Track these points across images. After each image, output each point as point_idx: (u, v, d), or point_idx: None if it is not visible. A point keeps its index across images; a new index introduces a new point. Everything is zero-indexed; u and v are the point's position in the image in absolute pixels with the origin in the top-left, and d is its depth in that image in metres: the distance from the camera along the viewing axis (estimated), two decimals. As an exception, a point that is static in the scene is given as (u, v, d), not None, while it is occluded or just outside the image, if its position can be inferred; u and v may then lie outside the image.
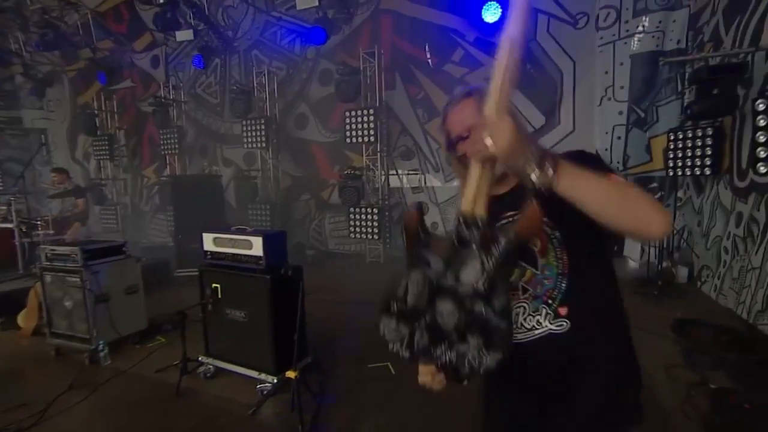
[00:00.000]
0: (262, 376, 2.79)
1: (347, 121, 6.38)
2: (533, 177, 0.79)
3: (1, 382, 3.08)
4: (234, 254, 2.89)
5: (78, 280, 3.27)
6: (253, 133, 7.23)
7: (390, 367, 3.14)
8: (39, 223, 4.91)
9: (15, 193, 4.88)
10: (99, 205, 8.67)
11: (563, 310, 0.93)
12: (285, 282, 2.74)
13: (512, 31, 0.82)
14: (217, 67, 8.10)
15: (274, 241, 2.84)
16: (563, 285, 0.94)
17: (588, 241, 0.95)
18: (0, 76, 9.50)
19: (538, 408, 1.03)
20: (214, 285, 2.95)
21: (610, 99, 5.45)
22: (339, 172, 6.83)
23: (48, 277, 3.41)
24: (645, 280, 4.88)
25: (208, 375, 3.03)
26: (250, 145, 7.33)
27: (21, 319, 3.81)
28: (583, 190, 0.79)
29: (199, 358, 3.06)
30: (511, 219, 0.91)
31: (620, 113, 5.44)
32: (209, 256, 3.00)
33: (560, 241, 0.94)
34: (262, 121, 7.16)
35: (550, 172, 0.78)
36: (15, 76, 9.64)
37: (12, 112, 10.30)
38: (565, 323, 0.93)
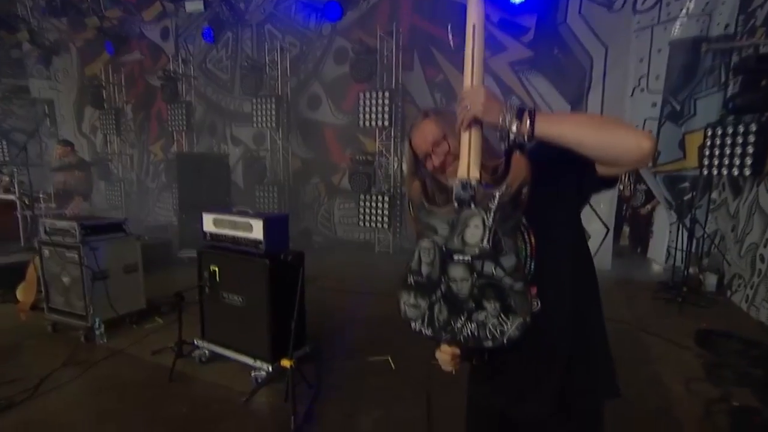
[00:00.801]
0: (258, 363, 2.81)
1: (361, 102, 6.31)
2: (513, 129, 0.90)
3: (-4, 355, 3.17)
4: (234, 236, 2.89)
5: (76, 255, 3.32)
6: (264, 112, 7.22)
7: (390, 361, 3.14)
8: (41, 196, 5.00)
9: (18, 165, 4.97)
10: (104, 181, 8.82)
11: (533, 290, 0.97)
12: (285, 267, 2.74)
13: (474, 16, 0.96)
14: (229, 42, 8.08)
15: (275, 225, 2.83)
16: (532, 266, 1.00)
17: (556, 210, 1.01)
18: (7, 43, 9.63)
19: (516, 392, 1.10)
20: (212, 268, 2.97)
21: (643, 90, 5.27)
22: (350, 157, 6.79)
23: (46, 252, 3.48)
24: (668, 285, 4.76)
25: (204, 360, 3.06)
26: (259, 124, 7.34)
27: (20, 292, 3.91)
28: (560, 127, 0.91)
29: (195, 342, 3.09)
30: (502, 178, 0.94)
31: (653, 105, 5.25)
32: (209, 238, 3.01)
33: (526, 226, 1.00)
34: (273, 100, 7.14)
35: (528, 121, 0.90)
36: (23, 44, 9.78)
37: (19, 81, 10.50)
38: (535, 303, 0.97)
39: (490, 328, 0.94)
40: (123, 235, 3.60)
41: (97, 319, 3.34)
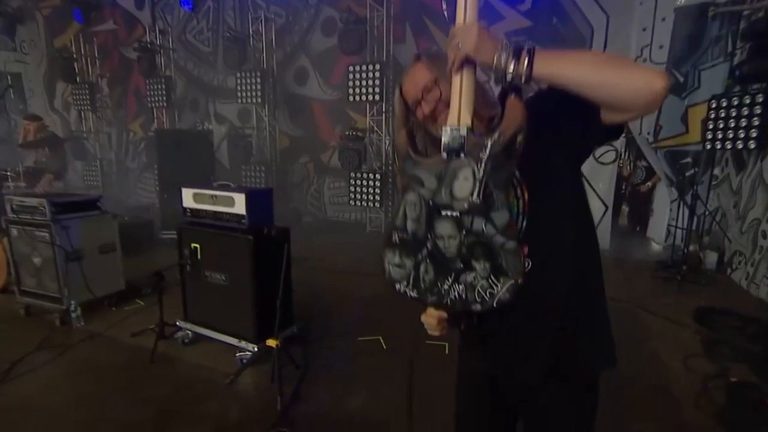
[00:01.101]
0: (242, 343, 2.76)
1: (350, 76, 6.16)
2: (509, 69, 0.84)
3: (-34, 338, 3.09)
4: (215, 212, 2.81)
5: (47, 235, 3.22)
6: (248, 87, 7.03)
7: (381, 341, 3.11)
8: (9, 174, 4.85)
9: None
10: (81, 160, 8.60)
11: (525, 249, 0.91)
12: (269, 244, 2.67)
13: None
14: (210, 12, 7.82)
15: (258, 199, 2.75)
16: (524, 223, 0.94)
17: (554, 162, 0.95)
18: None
19: (507, 358, 1.06)
20: (193, 245, 2.89)
21: (646, 60, 5.18)
22: (340, 133, 6.67)
23: (14, 231, 3.37)
24: (668, 264, 4.78)
25: (186, 341, 3.01)
26: (244, 100, 7.15)
27: (-10, 274, 3.81)
28: (561, 66, 0.84)
29: (177, 323, 3.03)
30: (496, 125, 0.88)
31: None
32: (189, 214, 2.93)
33: (519, 180, 0.94)
34: (258, 74, 6.95)
35: (525, 60, 0.83)
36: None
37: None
38: (527, 262, 0.92)
39: (479, 290, 0.90)
40: (98, 212, 3.49)
41: (72, 302, 3.26)
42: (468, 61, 0.88)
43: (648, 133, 5.62)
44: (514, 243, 0.86)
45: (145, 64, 7.52)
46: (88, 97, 8.44)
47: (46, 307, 3.37)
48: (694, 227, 4.64)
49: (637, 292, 4.14)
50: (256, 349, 2.71)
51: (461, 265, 0.90)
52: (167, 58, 8.02)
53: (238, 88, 7.10)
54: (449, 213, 0.90)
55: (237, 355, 2.77)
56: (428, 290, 0.95)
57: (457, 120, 0.89)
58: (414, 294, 0.97)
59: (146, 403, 2.40)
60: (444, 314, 1.00)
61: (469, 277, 0.90)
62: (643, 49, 5.14)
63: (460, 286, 0.92)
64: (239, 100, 7.19)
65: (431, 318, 1.01)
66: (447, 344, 2.91)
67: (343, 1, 6.58)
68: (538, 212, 0.93)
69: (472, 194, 0.86)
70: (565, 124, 0.93)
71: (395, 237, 0.98)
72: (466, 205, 0.87)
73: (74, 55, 8.67)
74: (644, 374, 2.70)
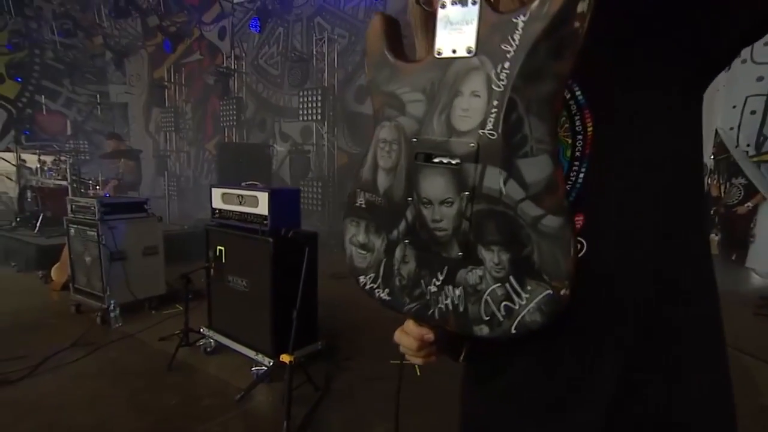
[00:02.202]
0: (259, 357, 2.47)
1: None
2: None
3: (17, 332, 3.13)
4: (240, 213, 2.59)
5: (95, 234, 3.22)
6: (310, 105, 7.06)
7: (416, 367, 2.65)
8: (91, 182, 5.14)
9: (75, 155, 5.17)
10: (162, 177, 9.19)
11: (578, 221, 0.51)
12: (292, 248, 2.37)
13: None
14: (280, 37, 8.08)
15: (283, 199, 2.49)
16: (580, 176, 0.52)
17: (650, 80, 0.49)
18: (89, 51, 10.50)
19: (545, 400, 0.57)
20: (218, 248, 2.69)
21: (745, 61, 4.35)
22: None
23: (72, 230, 3.43)
24: (779, 299, 3.80)
25: (209, 350, 2.79)
26: (305, 117, 7.18)
27: (54, 272, 3.94)
28: None
29: (201, 330, 2.83)
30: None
31: (759, 79, 4.31)
32: (217, 215, 2.74)
33: (580, 101, 0.52)
34: (319, 92, 6.95)
35: None
36: (105, 53, 10.63)
37: (101, 87, 11.41)
38: (579, 244, 0.51)
39: (488, 301, 0.49)
40: (144, 215, 3.47)
41: (112, 301, 3.21)
42: None
43: (747, 146, 4.69)
44: (558, 219, 0.44)
45: (219, 87, 7.92)
46: (173, 120, 9.06)
47: (92, 306, 3.36)
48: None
49: (737, 333, 3.26)
50: (271, 364, 2.39)
51: (460, 254, 0.51)
52: (240, 81, 8.37)
53: (300, 106, 7.15)
54: (443, 160, 0.51)
55: (252, 369, 2.48)
56: (405, 291, 0.57)
57: None
58: (384, 296, 0.59)
59: (148, 414, 2.17)
60: (429, 334, 0.59)
61: (473, 275, 0.50)
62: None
63: (457, 291, 0.52)
64: (301, 118, 7.23)
65: (408, 337, 0.61)
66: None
67: (402, 17, 6.41)
68: (610, 161, 0.51)
69: (483, 125, 0.47)
70: (673, 30, 0.48)
71: (361, 199, 0.60)
72: (472, 144, 0.48)
73: (166, 84, 9.41)
74: (757, 440, 1.99)
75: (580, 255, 0.49)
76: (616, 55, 0.48)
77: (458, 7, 0.47)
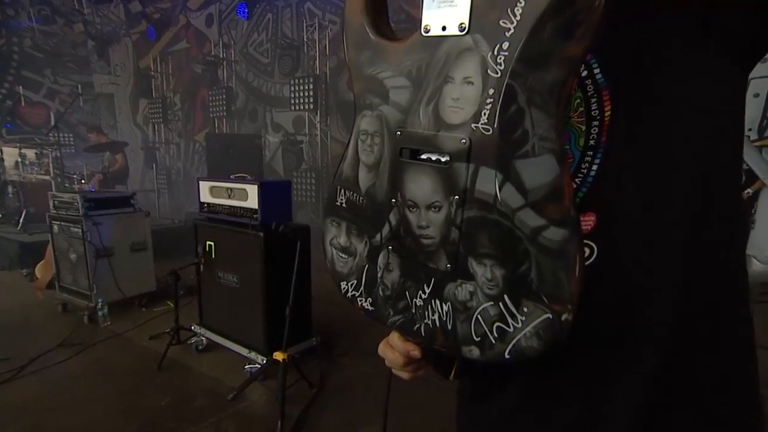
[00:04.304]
0: (252, 355, 2.43)
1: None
2: None
3: (1, 333, 3.07)
4: (230, 206, 2.54)
5: (79, 230, 3.16)
6: (301, 94, 6.96)
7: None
8: (75, 176, 5.05)
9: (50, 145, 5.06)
10: (152, 169, 9.08)
11: (588, 221, 0.46)
12: (284, 243, 2.32)
13: None
14: (269, 23, 7.94)
15: (273, 192, 2.44)
16: (593, 168, 0.46)
17: (686, 68, 0.43)
18: (70, 39, 10.26)
19: (545, 421, 0.53)
20: (208, 243, 2.64)
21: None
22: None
23: (55, 227, 3.36)
24: (784, 286, 3.80)
25: (201, 348, 2.75)
26: (297, 107, 7.08)
27: (38, 270, 3.87)
28: None
29: (192, 328, 2.79)
30: None
31: (764, 61, 4.24)
32: (205, 209, 2.69)
33: (599, 82, 0.46)
34: (311, 80, 6.84)
35: None
36: (87, 42, 10.39)
37: (85, 77, 11.19)
38: (587, 249, 0.46)
39: (478, 320, 0.44)
40: (131, 210, 3.40)
41: (99, 300, 3.15)
42: None
43: (749, 129, 4.65)
44: (563, 231, 0.39)
45: (208, 76, 7.78)
46: (161, 111, 8.92)
47: (79, 304, 3.30)
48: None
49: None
50: (264, 362, 2.36)
51: (448, 265, 0.45)
52: (229, 70, 8.23)
53: (292, 95, 7.05)
54: (431, 157, 0.45)
55: (246, 367, 2.44)
56: (389, 302, 0.52)
57: None
58: (367, 305, 0.55)
59: (139, 415, 2.13)
60: (415, 350, 0.54)
61: (462, 291, 0.45)
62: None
63: (445, 306, 0.47)
64: (293, 107, 7.13)
65: (393, 352, 0.57)
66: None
67: (396, 2, 6.30)
68: (631, 151, 0.45)
69: (477, 117, 0.41)
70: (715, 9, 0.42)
71: (341, 197, 0.55)
72: (464, 141, 0.42)
73: (152, 74, 9.24)
74: None
75: (588, 262, 0.44)
76: (646, 27, 0.43)
77: None
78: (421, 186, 0.45)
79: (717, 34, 0.43)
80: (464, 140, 0.41)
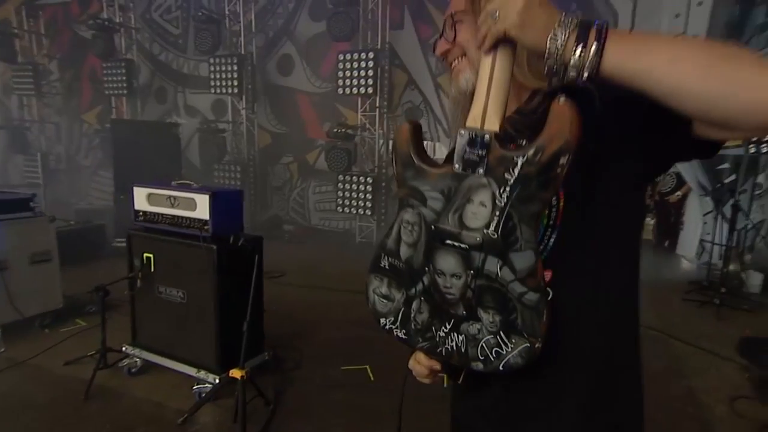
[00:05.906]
0: (201, 374, 2.57)
1: (340, 66, 6.07)
2: (574, 56, 0.64)
3: None
4: (173, 216, 2.64)
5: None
6: (223, 75, 6.90)
7: (369, 371, 2.95)
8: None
9: None
10: (21, 154, 8.36)
11: (546, 274, 0.80)
12: (237, 255, 2.50)
13: None
14: (180, -12, 7.71)
15: (225, 202, 2.59)
16: (550, 240, 0.82)
17: (610, 178, 0.79)
18: None
19: (518, 412, 0.93)
20: (145, 255, 2.71)
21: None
22: (328, 131, 6.56)
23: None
24: (702, 285, 4.66)
25: (134, 370, 2.82)
26: (218, 90, 7.02)
27: None
28: (648, 60, 0.62)
29: (123, 348, 2.84)
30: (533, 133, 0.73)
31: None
32: (141, 218, 2.75)
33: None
34: (235, 60, 6.82)
35: (593, 45, 0.63)
36: None
37: None
38: (549, 292, 0.81)
39: (483, 346, 0.79)
40: (30, 214, 3.30)
41: (-9, 322, 3.06)
42: (506, 40, 0.70)
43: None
44: (536, 295, 0.74)
45: (101, 44, 7.31)
46: (32, 80, 8.20)
47: (-35, 328, 3.16)
48: (734, 243, 4.53)
49: (668, 318, 4.01)
50: (217, 381, 2.52)
51: (464, 312, 0.80)
52: (129, 39, 7.86)
53: (212, 76, 6.96)
54: (455, 244, 0.78)
55: (194, 387, 2.58)
56: (419, 333, 0.86)
57: (480, 121, 0.74)
58: (401, 335, 0.88)
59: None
60: (436, 365, 0.92)
61: (473, 328, 0.80)
62: (676, 40, 5.08)
63: (460, 337, 0.82)
64: (213, 90, 7.05)
65: (420, 366, 0.94)
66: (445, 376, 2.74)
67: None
68: (574, 231, 0.80)
69: (488, 226, 0.74)
70: (638, 130, 0.75)
71: (384, 261, 0.87)
72: (478, 239, 0.75)
73: (15, 31, 8.38)
74: (680, 418, 2.56)
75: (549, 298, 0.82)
76: (586, 158, 0.76)
77: (476, 138, 0.74)
78: (448, 262, 0.79)
79: (627, 164, 0.80)
80: (479, 238, 0.75)
